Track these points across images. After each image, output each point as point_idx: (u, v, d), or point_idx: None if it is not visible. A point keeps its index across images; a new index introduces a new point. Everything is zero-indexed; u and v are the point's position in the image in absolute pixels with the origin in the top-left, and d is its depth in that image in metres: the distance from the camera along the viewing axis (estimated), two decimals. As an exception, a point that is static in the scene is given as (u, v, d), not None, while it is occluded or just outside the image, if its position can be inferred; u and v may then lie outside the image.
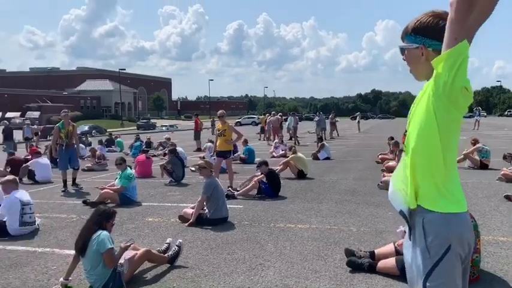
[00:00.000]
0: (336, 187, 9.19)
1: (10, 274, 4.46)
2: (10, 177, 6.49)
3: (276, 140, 17.92)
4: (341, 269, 4.37)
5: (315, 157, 14.36)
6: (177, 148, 12.13)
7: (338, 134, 27.83)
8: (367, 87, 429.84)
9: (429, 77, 1.63)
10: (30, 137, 22.07)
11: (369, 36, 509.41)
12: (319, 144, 15.10)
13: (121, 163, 8.29)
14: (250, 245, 5.25)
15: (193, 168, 12.10)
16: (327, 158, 14.35)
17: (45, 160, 11.65)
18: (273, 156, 15.25)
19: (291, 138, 23.07)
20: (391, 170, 9.79)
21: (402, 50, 1.80)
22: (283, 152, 15.42)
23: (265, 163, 8.70)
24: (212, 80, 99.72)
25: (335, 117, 28.21)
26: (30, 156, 14.34)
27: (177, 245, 4.67)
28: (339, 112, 42.10)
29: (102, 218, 4.15)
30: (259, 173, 8.61)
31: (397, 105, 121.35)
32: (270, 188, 8.19)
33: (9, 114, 56.49)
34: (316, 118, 26.06)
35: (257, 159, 13.69)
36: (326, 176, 10.71)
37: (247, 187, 8.23)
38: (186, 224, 6.14)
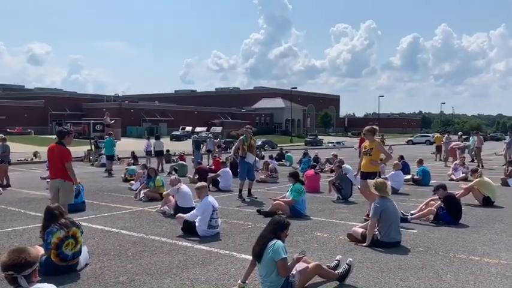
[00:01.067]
0: (533, 219, 7.83)
1: (197, 270, 5.03)
2: (203, 183, 7.35)
3: (457, 162, 16.11)
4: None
5: (504, 183, 12.52)
6: (344, 165, 12.05)
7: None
8: None
9: None
10: (212, 150, 24.74)
11: None
12: (510, 168, 13.12)
13: (291, 176, 8.63)
14: (426, 274, 4.83)
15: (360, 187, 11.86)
16: (520, 185, 12.35)
17: (229, 171, 12.89)
18: (452, 179, 13.88)
19: (472, 160, 20.67)
20: None
21: None
22: (463, 174, 13.91)
23: (443, 186, 7.96)
24: (382, 96, 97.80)
25: None
26: (213, 167, 16.15)
27: (347, 264, 4.60)
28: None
29: (277, 228, 4.36)
30: (436, 197, 7.92)
31: None
32: (448, 214, 7.44)
33: (197, 129, 64.67)
34: (507, 139, 22.74)
35: (432, 182, 12.66)
36: (519, 206, 9.22)
37: (423, 211, 7.64)
38: (360, 245, 5.99)
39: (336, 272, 4.55)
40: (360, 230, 6.21)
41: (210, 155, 23.47)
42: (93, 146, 26.19)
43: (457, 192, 9.01)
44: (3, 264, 2.71)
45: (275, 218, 4.54)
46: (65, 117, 65.08)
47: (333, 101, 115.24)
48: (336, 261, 4.78)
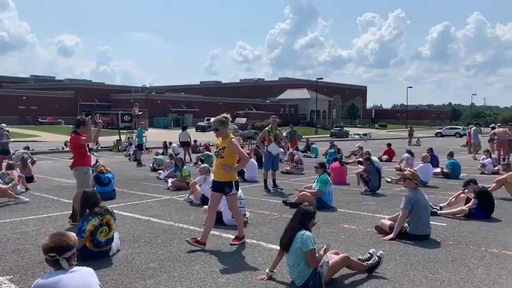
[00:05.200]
0: None
1: (225, 258, 5.10)
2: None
3: (493, 156, 15.52)
4: None
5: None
6: (371, 157, 11.92)
7: None
8: None
9: None
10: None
11: None
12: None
13: (319, 167, 8.60)
14: (456, 267, 4.76)
15: (388, 179, 11.72)
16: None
17: (255, 162, 12.96)
18: (483, 173, 13.55)
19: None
20: None
21: None
22: (496, 168, 13.54)
23: (473, 181, 7.78)
24: (411, 87, 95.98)
25: None
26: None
27: (377, 256, 4.59)
28: None
29: (304, 218, 4.38)
30: (466, 191, 7.76)
31: None
32: (480, 208, 7.27)
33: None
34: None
35: (463, 175, 12.39)
36: (554, 201, 8.93)
37: (455, 210, 7.48)
38: (386, 238, 5.91)
39: (365, 263, 4.54)
40: (388, 223, 6.16)
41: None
42: (122, 136, 26.73)
43: (489, 186, 8.80)
44: (46, 247, 2.82)
45: (301, 207, 4.55)
46: (94, 107, 66.60)
47: (360, 92, 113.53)
48: (368, 254, 4.74)
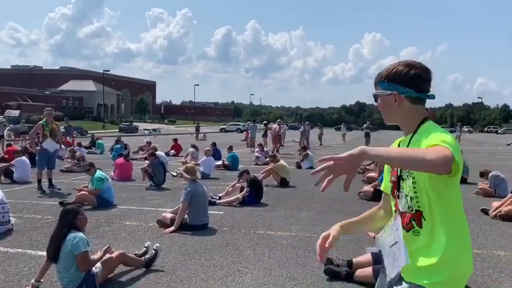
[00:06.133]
0: (317, 196, 9.19)
1: (-21, 274, 4.31)
2: None
3: (258, 149, 17.61)
4: (318, 277, 4.36)
5: (298, 166, 14.39)
6: (157, 152, 12.03)
7: (321, 144, 28.13)
8: (351, 99, 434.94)
9: (401, 123, 1.79)
10: (3, 136, 21.42)
11: (356, 49, 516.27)
12: (303, 153, 15.15)
13: (89, 168, 8.12)
14: (229, 251, 5.20)
15: (174, 173, 12.02)
16: (311, 168, 14.38)
17: (26, 160, 11.39)
18: (257, 164, 15.26)
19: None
20: (371, 180, 9.87)
21: (375, 97, 1.84)
22: (267, 159, 15.47)
23: (247, 171, 8.68)
24: (198, 85, 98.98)
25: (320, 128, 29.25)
26: (6, 156, 14.03)
27: (153, 249, 4.60)
28: (323, 122, 42.65)
29: (69, 218, 4.03)
30: (240, 181, 8.59)
31: (381, 118, 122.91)
32: (252, 195, 8.15)
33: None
34: (301, 128, 26.33)
35: (240, 166, 13.67)
36: (308, 185, 10.73)
37: (231, 199, 8.16)
38: (167, 231, 6.00)
39: (143, 258, 4.50)
40: (169, 215, 6.29)
41: (2, 143, 20.29)
42: None
43: (259, 175, 9.96)
44: None
45: (63, 209, 4.23)
46: None
47: (149, 87, 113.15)
48: (144, 248, 4.72)
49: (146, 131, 51.98)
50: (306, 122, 28.92)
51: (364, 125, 28.32)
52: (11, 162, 11.14)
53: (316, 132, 29.78)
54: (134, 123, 60.29)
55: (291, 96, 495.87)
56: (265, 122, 28.72)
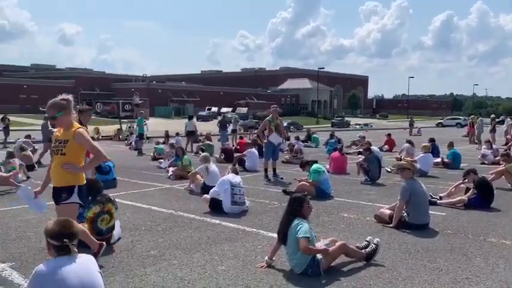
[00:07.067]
0: None
1: (225, 246, 5.14)
2: (232, 167, 7.67)
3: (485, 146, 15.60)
4: None
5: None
6: (372, 147, 11.93)
7: None
8: None
9: None
10: (236, 130, 24.86)
11: None
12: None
13: (303, 165, 8.97)
14: (455, 256, 4.79)
15: (389, 169, 11.73)
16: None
17: (256, 151, 12.97)
18: (483, 163, 13.56)
19: (506, 144, 20.06)
20: None
21: None
22: (496, 158, 13.55)
23: (474, 171, 7.80)
24: (413, 77, 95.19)
25: None
26: (238, 147, 16.25)
27: (374, 243, 4.62)
28: None
29: (295, 206, 4.40)
30: (466, 181, 7.78)
31: None
32: (479, 197, 7.29)
33: (223, 110, 64.84)
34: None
35: (463, 165, 12.39)
36: (554, 191, 8.95)
37: (454, 200, 7.49)
38: (388, 226, 5.96)
39: (363, 251, 4.57)
40: (388, 212, 6.19)
41: (235, 136, 23.57)
42: (122, 125, 26.73)
43: (489, 176, 8.81)
44: (58, 232, 2.79)
45: (290, 198, 4.60)
46: (95, 96, 66.45)
47: (361, 82, 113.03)
48: (365, 242, 4.78)
49: (358, 126, 52.22)
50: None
51: None
52: (243, 152, 12.83)
53: None
54: (346, 118, 61.34)
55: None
56: (492, 115, 25.18)
